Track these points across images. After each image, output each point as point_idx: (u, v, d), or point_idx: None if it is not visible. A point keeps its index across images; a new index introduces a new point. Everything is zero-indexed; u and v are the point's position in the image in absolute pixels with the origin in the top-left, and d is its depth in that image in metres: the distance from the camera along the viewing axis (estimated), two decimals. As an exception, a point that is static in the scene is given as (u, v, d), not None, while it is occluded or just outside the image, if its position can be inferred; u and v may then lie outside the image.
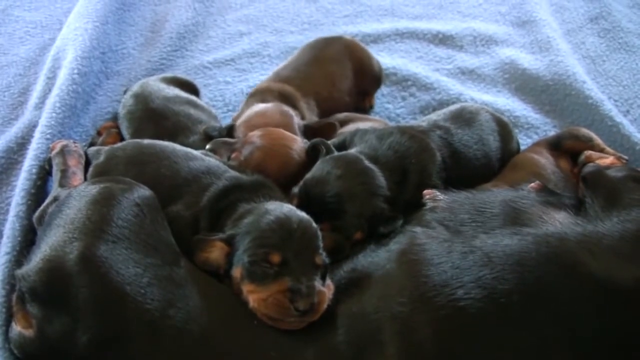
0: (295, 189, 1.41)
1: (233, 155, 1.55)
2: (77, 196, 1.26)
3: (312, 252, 1.19)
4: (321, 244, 1.22)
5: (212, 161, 1.46)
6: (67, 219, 1.20)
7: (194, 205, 1.34)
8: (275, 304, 1.13)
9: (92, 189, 1.26)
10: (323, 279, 1.19)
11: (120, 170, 1.42)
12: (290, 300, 1.12)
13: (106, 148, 1.55)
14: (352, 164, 1.42)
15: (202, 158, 1.46)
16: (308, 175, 1.42)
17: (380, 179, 1.41)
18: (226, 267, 1.22)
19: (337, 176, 1.38)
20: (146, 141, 1.53)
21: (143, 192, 1.29)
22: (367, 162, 1.43)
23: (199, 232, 1.30)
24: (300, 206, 1.33)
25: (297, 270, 1.15)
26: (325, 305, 1.15)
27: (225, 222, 1.29)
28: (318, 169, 1.42)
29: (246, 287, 1.17)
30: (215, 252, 1.24)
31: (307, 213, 1.28)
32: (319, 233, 1.23)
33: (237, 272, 1.19)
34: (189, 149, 1.50)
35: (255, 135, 1.55)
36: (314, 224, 1.23)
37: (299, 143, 1.57)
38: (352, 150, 1.51)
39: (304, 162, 1.53)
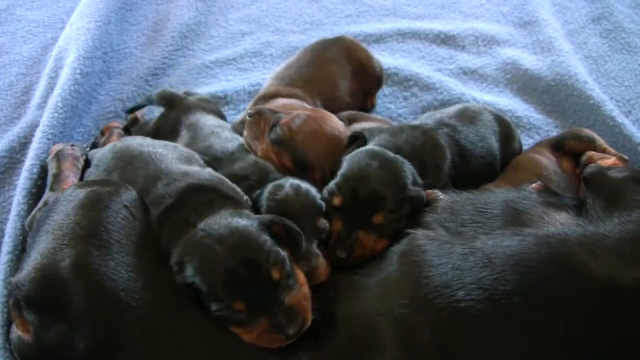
0: (333, 187, 1.36)
1: (283, 122, 1.50)
2: (64, 201, 1.24)
3: (269, 272, 1.11)
4: (271, 252, 1.13)
5: (162, 168, 1.36)
6: (55, 225, 1.19)
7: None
8: (266, 341, 1.12)
9: (80, 194, 1.24)
10: (290, 276, 1.15)
11: (100, 176, 1.41)
12: (277, 332, 1.10)
13: (100, 151, 1.53)
14: (385, 154, 1.39)
15: (158, 162, 1.37)
16: (346, 171, 1.37)
17: (411, 167, 1.40)
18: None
19: (377, 167, 1.35)
20: (120, 144, 1.49)
21: (130, 193, 1.28)
22: (393, 154, 1.41)
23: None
24: (344, 205, 1.32)
25: (268, 305, 1.10)
26: (308, 316, 1.13)
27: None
28: (354, 162, 1.37)
29: (230, 328, 1.13)
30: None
31: (353, 209, 1.30)
32: (265, 243, 1.14)
33: (214, 313, 1.13)
34: (157, 147, 1.43)
35: (305, 112, 1.54)
36: (254, 235, 1.14)
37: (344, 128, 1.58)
38: (371, 145, 1.48)
39: (345, 148, 1.51)
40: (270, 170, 1.48)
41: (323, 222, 1.29)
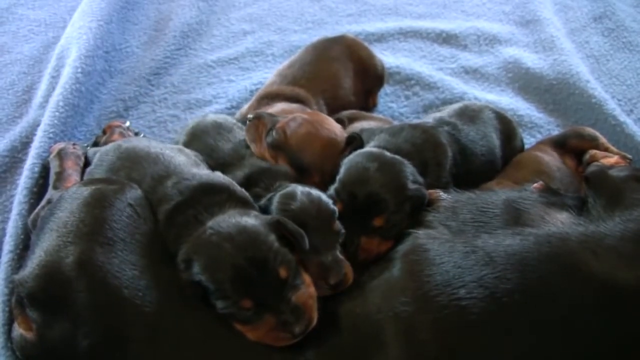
0: (332, 192, 1.35)
1: (278, 125, 1.51)
2: (69, 199, 1.24)
3: (276, 270, 1.11)
4: (279, 252, 1.13)
5: (170, 168, 1.36)
6: (59, 222, 1.19)
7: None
8: (272, 339, 1.11)
9: (84, 191, 1.24)
10: (297, 276, 1.15)
11: (103, 175, 1.40)
12: (283, 330, 1.10)
13: (100, 150, 1.52)
14: (383, 156, 1.39)
15: (167, 163, 1.37)
16: (343, 176, 1.36)
17: (410, 166, 1.39)
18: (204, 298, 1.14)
19: (375, 169, 1.34)
20: (126, 144, 1.48)
21: (135, 192, 1.28)
22: (391, 155, 1.40)
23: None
24: (344, 210, 1.31)
25: (275, 304, 1.10)
26: (314, 315, 1.13)
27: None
28: (352, 166, 1.37)
29: (236, 326, 1.13)
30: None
31: (353, 213, 1.29)
32: (272, 242, 1.14)
33: (220, 311, 1.12)
34: (164, 149, 1.43)
35: (301, 116, 1.54)
36: (262, 234, 1.14)
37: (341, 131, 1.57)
38: (369, 146, 1.48)
39: (342, 151, 1.50)
40: (281, 174, 1.46)
41: (338, 225, 1.28)
